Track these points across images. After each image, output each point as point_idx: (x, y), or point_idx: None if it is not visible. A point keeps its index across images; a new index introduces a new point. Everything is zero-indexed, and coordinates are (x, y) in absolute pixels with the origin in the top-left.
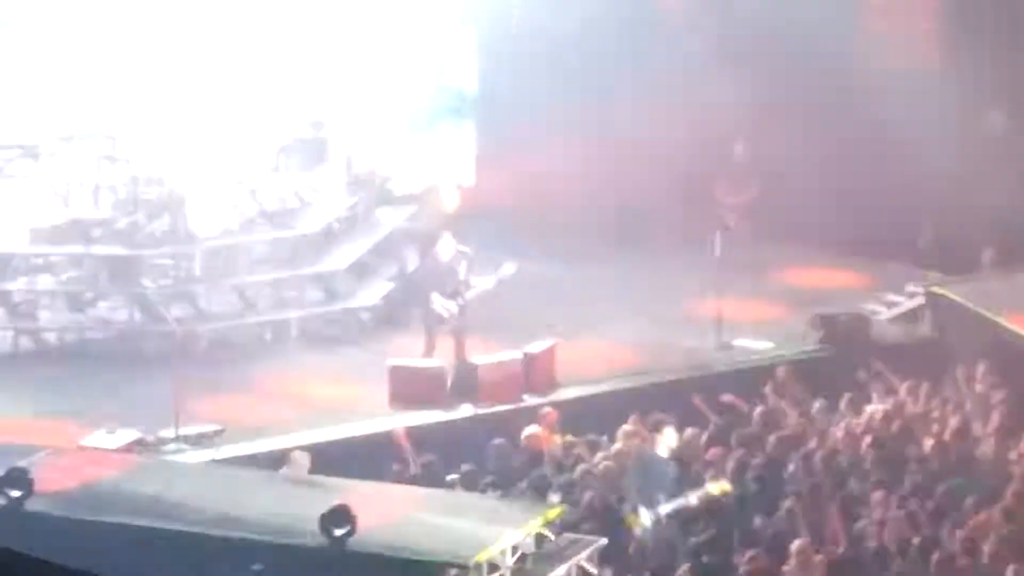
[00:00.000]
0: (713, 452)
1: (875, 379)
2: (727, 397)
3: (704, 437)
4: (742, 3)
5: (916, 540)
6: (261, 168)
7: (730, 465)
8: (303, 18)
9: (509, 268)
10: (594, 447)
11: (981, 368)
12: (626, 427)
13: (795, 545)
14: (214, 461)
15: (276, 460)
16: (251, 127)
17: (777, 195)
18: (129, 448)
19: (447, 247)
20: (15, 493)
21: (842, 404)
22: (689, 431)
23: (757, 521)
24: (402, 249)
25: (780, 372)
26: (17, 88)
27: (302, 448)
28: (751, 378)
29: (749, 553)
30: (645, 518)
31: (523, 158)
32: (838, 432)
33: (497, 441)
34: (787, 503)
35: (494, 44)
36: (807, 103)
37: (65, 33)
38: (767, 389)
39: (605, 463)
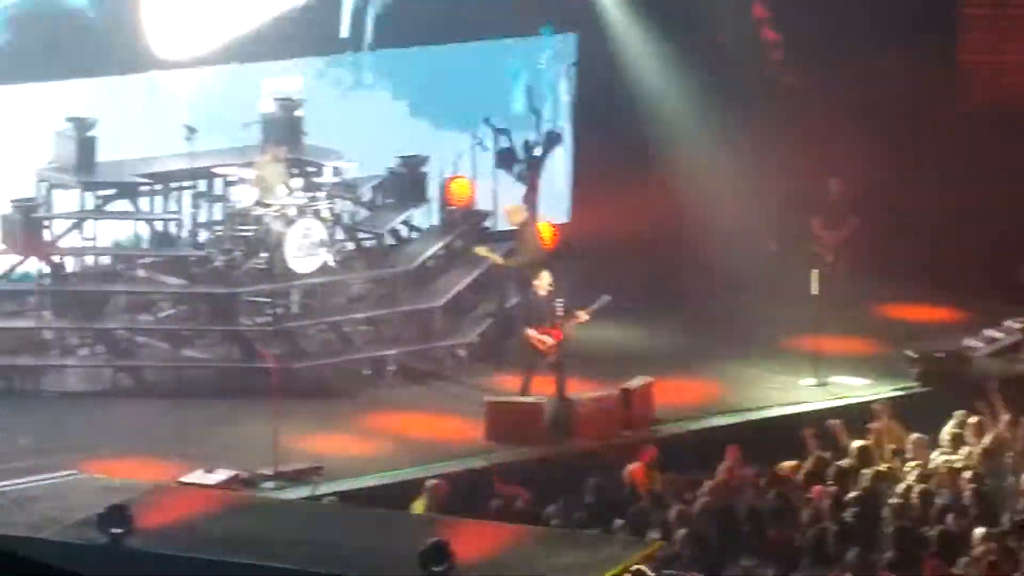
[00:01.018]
0: (816, 490)
1: (975, 415)
2: (833, 422)
3: (802, 473)
4: (836, 42)
5: None
6: (358, 205)
7: (826, 500)
8: (394, 52)
9: (605, 299)
10: (693, 484)
11: None
12: (726, 463)
13: None
14: (312, 498)
15: (376, 496)
16: (347, 165)
17: (874, 231)
18: (228, 485)
19: (543, 283)
20: (116, 530)
21: (940, 440)
22: (788, 465)
23: (853, 557)
24: (499, 286)
25: (877, 408)
26: (114, 127)
27: (431, 478)
28: (848, 414)
29: None
30: None
31: (618, 195)
32: (936, 468)
33: (595, 477)
34: (885, 538)
35: (590, 80)
36: (901, 138)
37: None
38: (868, 425)
39: (703, 499)
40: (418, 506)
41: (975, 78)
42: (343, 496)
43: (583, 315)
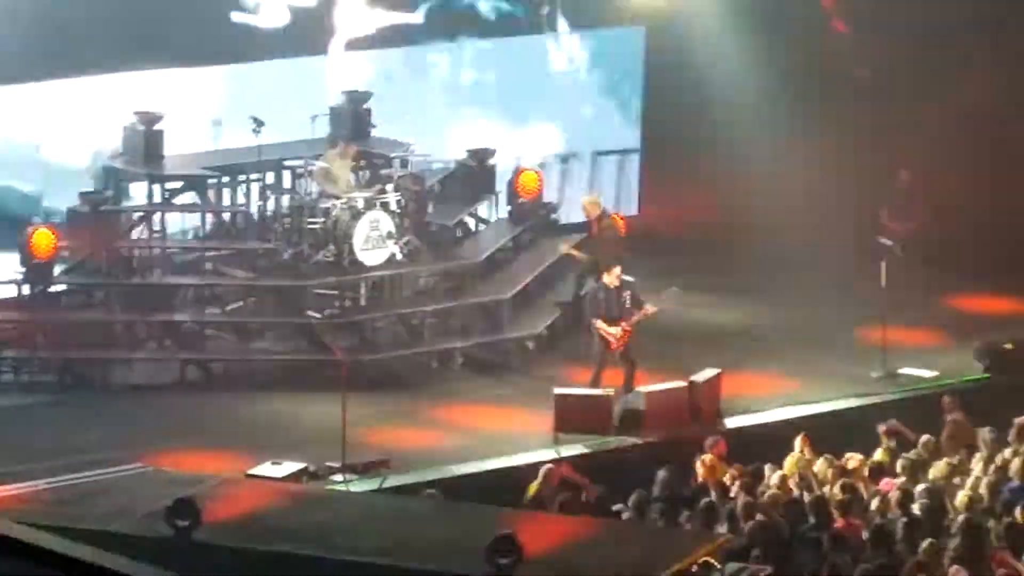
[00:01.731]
0: (886, 484)
1: None
2: (892, 423)
3: (869, 465)
4: (906, 35)
5: None
6: (426, 198)
7: (895, 493)
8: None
9: (674, 291)
10: (760, 476)
11: None
12: (792, 456)
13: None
14: (380, 490)
15: (443, 489)
16: (414, 157)
17: (943, 222)
18: (296, 478)
19: (613, 275)
20: (183, 523)
21: (1010, 433)
22: (856, 458)
23: (922, 549)
24: (567, 278)
25: (945, 400)
26: (182, 120)
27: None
28: (916, 406)
29: None
30: None
31: (686, 189)
32: (1004, 460)
33: (664, 470)
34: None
35: (659, 75)
36: (972, 130)
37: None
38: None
39: (772, 491)
40: (531, 488)
41: None
42: (411, 488)
43: (651, 308)
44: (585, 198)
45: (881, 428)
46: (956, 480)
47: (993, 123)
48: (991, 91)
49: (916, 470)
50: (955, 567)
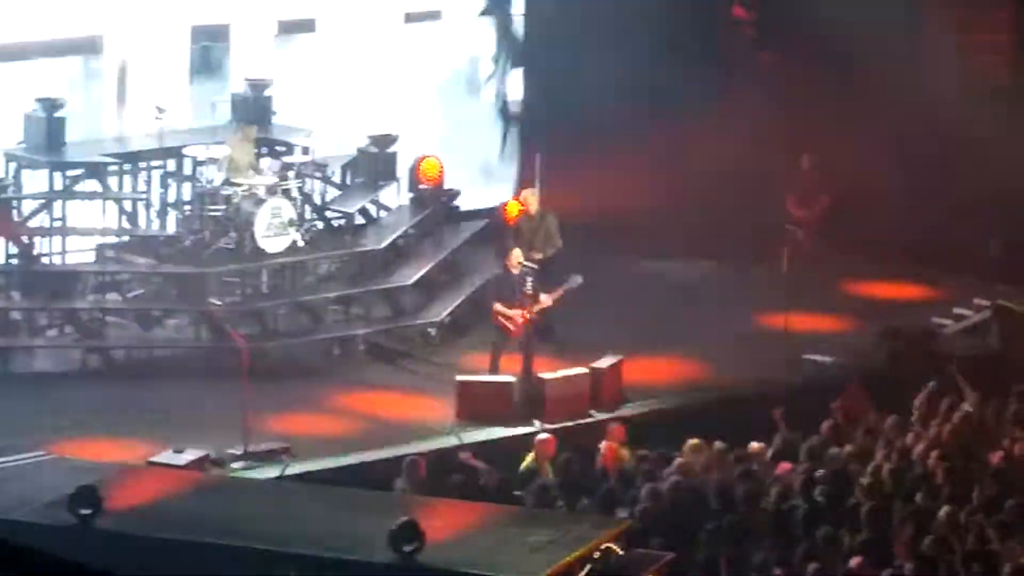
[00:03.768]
0: (783, 467)
1: (944, 392)
2: (776, 412)
3: (770, 451)
4: (810, 17)
5: (982, 554)
6: (327, 184)
7: (798, 479)
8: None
9: (576, 280)
10: (664, 461)
11: None
12: (692, 441)
13: (853, 562)
14: (282, 478)
15: (346, 476)
16: (315, 143)
17: (846, 208)
18: (197, 466)
19: (514, 259)
20: (85, 511)
21: (911, 418)
22: (757, 445)
23: (823, 535)
24: (471, 265)
25: (849, 386)
26: (83, 107)
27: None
28: (820, 392)
29: (812, 566)
30: None
31: (587, 173)
32: (907, 446)
33: (564, 455)
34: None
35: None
36: (875, 115)
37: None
38: (836, 403)
39: (673, 477)
40: (529, 459)
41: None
42: (313, 476)
43: (548, 298)
44: (529, 192)
45: (776, 413)
46: (857, 466)
47: (894, 105)
48: (892, 72)
49: (818, 456)
50: (856, 557)
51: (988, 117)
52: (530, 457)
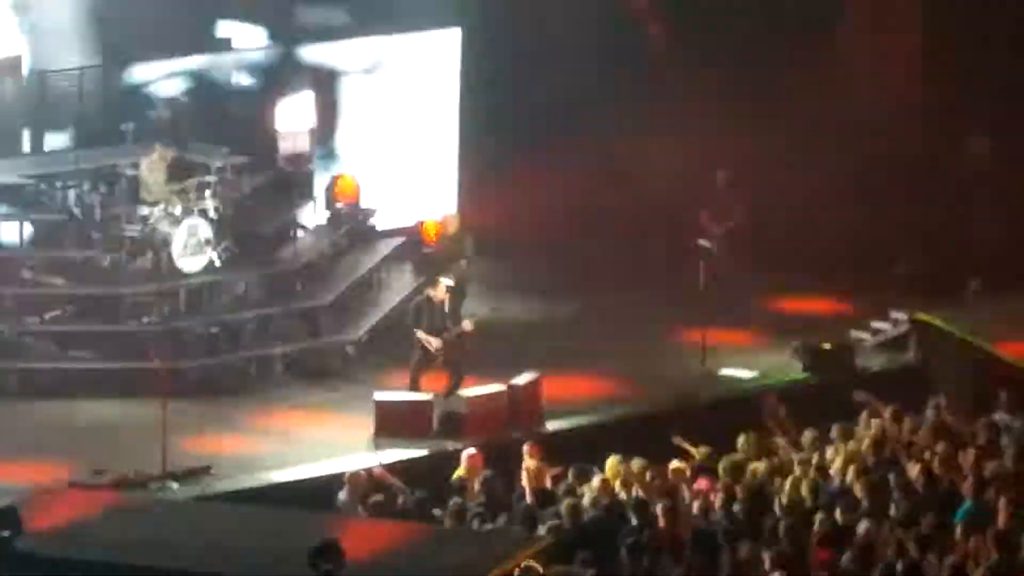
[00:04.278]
0: (701, 483)
1: (861, 406)
2: (677, 439)
3: (691, 467)
4: (724, 35)
5: (901, 568)
6: (243, 203)
7: (718, 495)
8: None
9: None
10: (583, 477)
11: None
12: (612, 458)
13: None
14: (201, 498)
15: (266, 495)
16: (232, 162)
17: (760, 223)
18: (117, 486)
19: (439, 289)
20: (4, 532)
21: (830, 432)
22: (675, 463)
23: (743, 551)
24: (387, 284)
25: (767, 400)
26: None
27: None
28: (737, 407)
29: None
30: None
31: (505, 190)
32: (825, 460)
33: (484, 474)
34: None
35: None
36: (789, 131)
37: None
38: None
39: (594, 494)
40: (458, 472)
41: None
42: (233, 496)
43: (468, 324)
44: (450, 215)
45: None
46: (776, 481)
47: (807, 121)
48: (805, 89)
49: (737, 471)
50: (776, 572)
51: (901, 134)
52: (460, 471)
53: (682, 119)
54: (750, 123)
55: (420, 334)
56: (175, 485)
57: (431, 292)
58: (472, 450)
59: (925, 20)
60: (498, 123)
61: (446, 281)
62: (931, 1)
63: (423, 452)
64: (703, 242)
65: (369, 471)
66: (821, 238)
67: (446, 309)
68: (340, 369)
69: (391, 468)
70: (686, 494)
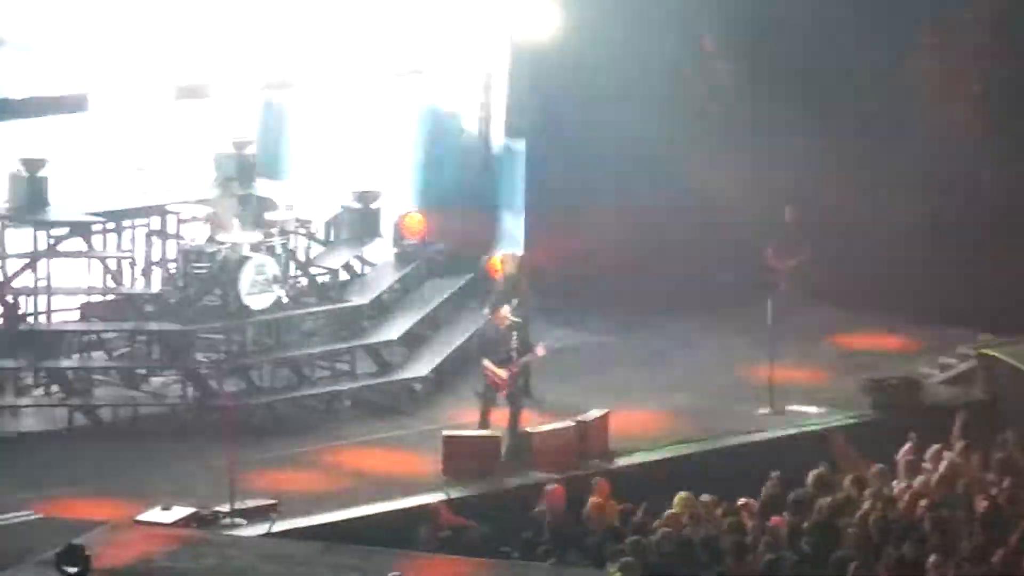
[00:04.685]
0: (773, 520)
1: (929, 442)
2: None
3: (759, 503)
4: (794, 71)
5: None
6: (312, 241)
7: (783, 530)
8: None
9: (551, 345)
10: (651, 514)
11: None
12: (680, 494)
13: None
14: (269, 535)
15: (333, 532)
16: (300, 199)
17: (829, 259)
18: (185, 523)
19: (501, 316)
20: (72, 569)
21: (897, 468)
22: (743, 500)
23: None
24: (454, 320)
25: (835, 436)
26: (66, 165)
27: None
28: (804, 444)
29: None
30: None
31: (572, 227)
32: (893, 496)
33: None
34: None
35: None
36: (858, 166)
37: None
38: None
39: (663, 529)
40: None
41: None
42: (301, 532)
43: (540, 350)
44: (504, 255)
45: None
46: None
47: (876, 157)
48: (875, 125)
49: (805, 507)
50: None
51: (965, 171)
52: (541, 504)
53: (751, 155)
54: (818, 159)
55: (487, 363)
56: (243, 522)
57: (496, 322)
58: (553, 484)
59: (994, 57)
60: (566, 160)
61: (510, 311)
62: (999, 36)
63: (492, 488)
64: (771, 278)
65: (437, 507)
66: (888, 273)
67: (512, 341)
68: (408, 406)
69: (457, 504)
70: (754, 530)
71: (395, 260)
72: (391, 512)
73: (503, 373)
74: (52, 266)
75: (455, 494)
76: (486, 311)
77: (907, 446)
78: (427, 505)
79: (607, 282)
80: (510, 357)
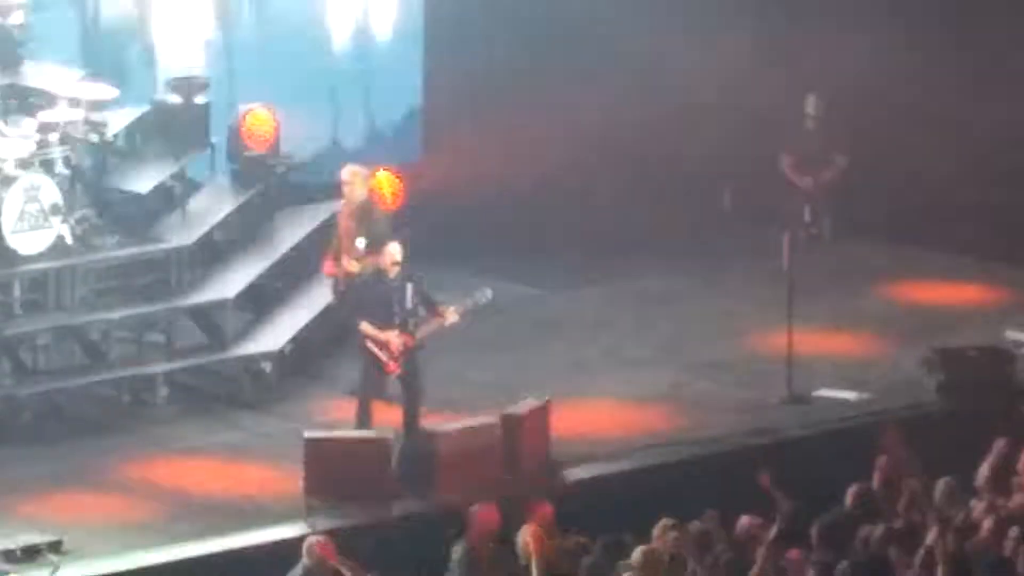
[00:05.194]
0: (793, 555)
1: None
2: (764, 478)
3: (773, 531)
4: None
5: None
6: (108, 153)
7: (813, 570)
8: None
9: (485, 295)
10: (616, 551)
11: None
12: (662, 522)
13: None
14: None
15: None
16: (95, 91)
17: (870, 173)
18: None
19: (390, 258)
20: None
21: (977, 479)
22: (749, 522)
23: None
24: (318, 266)
25: (885, 433)
26: None
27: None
28: (839, 445)
29: None
30: None
31: (483, 132)
32: (971, 521)
33: (462, 545)
34: None
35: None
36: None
37: None
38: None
39: (726, 555)
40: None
41: None
42: None
43: (452, 314)
44: (349, 170)
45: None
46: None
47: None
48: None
49: (840, 536)
50: None
51: None
52: (467, 537)
53: (749, 17)
54: (852, 20)
55: (368, 330)
56: (8, 569)
57: (379, 265)
58: (483, 506)
59: None
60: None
61: (397, 255)
62: None
63: (379, 515)
64: (787, 201)
65: (314, 545)
66: (963, 198)
67: (407, 298)
68: (254, 395)
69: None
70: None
71: (231, 180)
72: (233, 552)
73: (394, 343)
74: None
75: (323, 524)
76: (359, 246)
77: (994, 449)
78: (285, 541)
79: (538, 207)
80: (404, 322)
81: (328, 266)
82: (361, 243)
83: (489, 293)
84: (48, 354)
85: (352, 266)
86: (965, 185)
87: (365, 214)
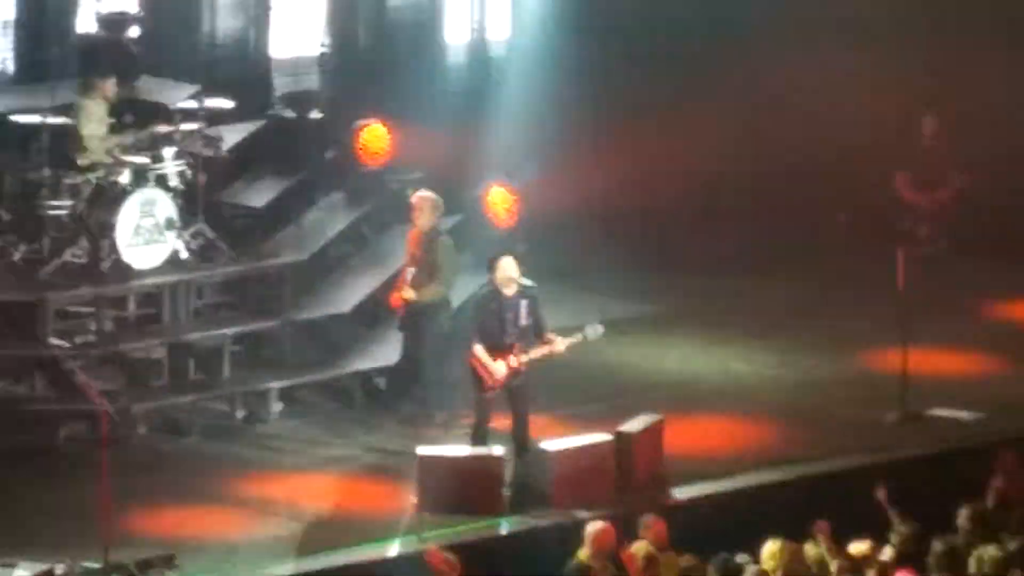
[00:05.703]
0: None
1: None
2: (880, 492)
3: (888, 552)
4: None
5: None
6: (223, 168)
7: None
8: None
9: (596, 330)
10: (728, 572)
11: None
12: (770, 543)
13: None
14: None
15: None
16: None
17: (989, 190)
18: None
19: (506, 274)
20: None
21: None
22: (863, 544)
23: None
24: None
25: (1003, 455)
26: None
27: None
28: (956, 466)
29: None
30: None
31: (596, 147)
32: None
33: (577, 562)
34: None
35: None
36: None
37: None
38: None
39: None
40: (582, 555)
41: None
42: None
43: (560, 344)
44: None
45: (879, 493)
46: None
47: None
48: None
49: (955, 559)
50: None
51: None
52: (582, 553)
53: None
54: (973, 48)
55: (479, 352)
56: None
57: (497, 286)
58: (599, 524)
59: None
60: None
61: (514, 270)
62: None
63: (489, 531)
64: (903, 220)
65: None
66: None
67: (521, 311)
68: (367, 410)
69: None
70: None
71: (346, 196)
72: (347, 567)
73: (499, 366)
74: None
75: (437, 539)
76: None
77: None
78: (399, 556)
79: (656, 227)
80: (514, 344)
81: (394, 298)
82: (411, 272)
83: (600, 329)
84: (163, 369)
85: (408, 293)
86: None
87: (431, 242)
